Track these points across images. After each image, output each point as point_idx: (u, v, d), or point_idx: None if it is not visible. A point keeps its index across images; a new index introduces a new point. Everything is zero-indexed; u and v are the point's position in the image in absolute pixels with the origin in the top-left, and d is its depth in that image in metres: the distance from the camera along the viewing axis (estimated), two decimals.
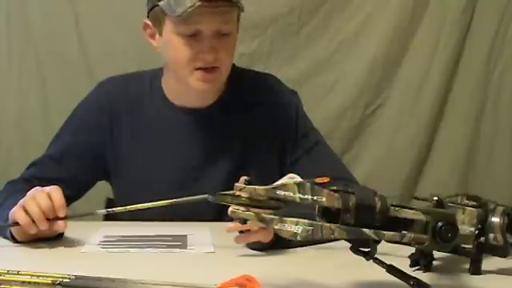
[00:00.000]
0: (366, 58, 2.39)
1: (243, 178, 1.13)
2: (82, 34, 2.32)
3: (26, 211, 1.22)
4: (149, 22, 1.48)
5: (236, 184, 0.90)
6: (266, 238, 1.19)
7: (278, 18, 2.36)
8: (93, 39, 2.33)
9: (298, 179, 1.25)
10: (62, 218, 1.23)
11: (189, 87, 1.46)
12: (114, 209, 1.30)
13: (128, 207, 1.26)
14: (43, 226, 1.22)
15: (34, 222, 1.22)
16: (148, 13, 1.48)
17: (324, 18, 2.38)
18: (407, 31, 2.39)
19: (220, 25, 1.40)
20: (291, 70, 2.34)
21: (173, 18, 1.40)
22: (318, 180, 1.10)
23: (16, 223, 1.24)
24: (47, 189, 1.26)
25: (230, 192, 0.92)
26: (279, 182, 0.89)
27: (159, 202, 1.23)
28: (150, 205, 1.24)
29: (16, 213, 1.24)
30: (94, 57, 2.32)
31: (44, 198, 1.23)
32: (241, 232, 1.21)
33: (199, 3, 1.35)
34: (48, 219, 1.22)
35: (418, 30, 2.40)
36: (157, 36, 1.47)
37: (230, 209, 0.89)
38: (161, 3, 1.41)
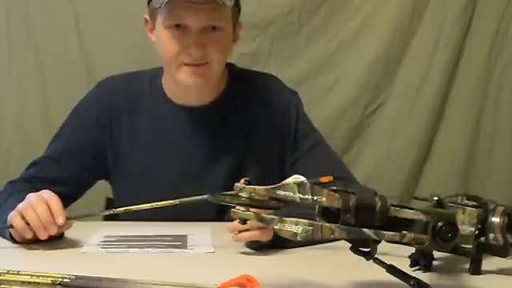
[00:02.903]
0: (366, 57, 2.39)
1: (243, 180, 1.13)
2: (82, 34, 2.33)
3: (24, 218, 1.22)
4: (148, 17, 1.49)
5: (236, 184, 0.90)
6: (265, 237, 1.19)
7: (278, 18, 2.36)
8: (93, 39, 2.33)
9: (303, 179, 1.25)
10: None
11: (179, 85, 1.46)
12: (115, 209, 1.29)
13: (129, 207, 1.26)
14: (42, 236, 1.22)
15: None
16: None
17: (324, 18, 2.38)
18: (407, 31, 2.39)
19: (207, 21, 1.40)
20: (291, 70, 2.34)
21: (160, 11, 1.40)
22: (322, 179, 1.10)
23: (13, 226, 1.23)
24: (45, 196, 1.24)
25: (230, 192, 0.92)
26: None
27: (161, 203, 1.23)
28: (151, 205, 1.24)
29: (13, 219, 1.23)
30: (93, 57, 2.32)
31: (42, 206, 1.22)
32: (240, 231, 1.21)
33: None
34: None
35: (417, 30, 2.40)
36: (153, 31, 1.48)
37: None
38: None
